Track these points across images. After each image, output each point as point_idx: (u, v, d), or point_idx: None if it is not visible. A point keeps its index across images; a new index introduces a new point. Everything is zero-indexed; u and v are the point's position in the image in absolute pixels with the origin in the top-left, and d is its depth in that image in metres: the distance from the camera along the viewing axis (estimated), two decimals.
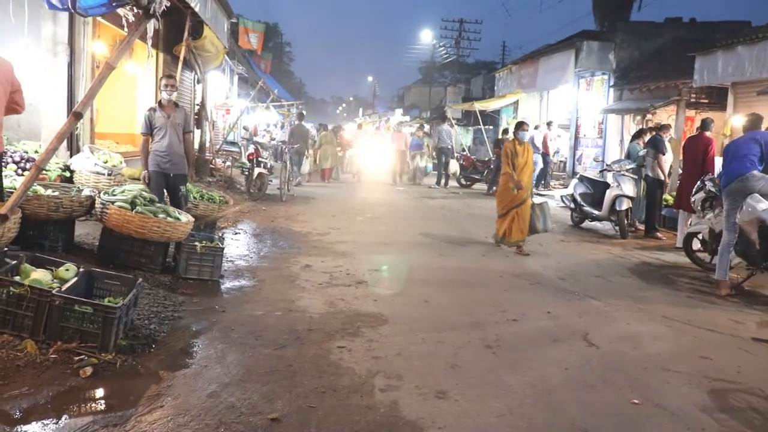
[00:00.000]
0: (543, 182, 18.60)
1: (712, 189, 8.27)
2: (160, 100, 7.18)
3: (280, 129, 24.94)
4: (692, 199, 8.75)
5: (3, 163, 5.35)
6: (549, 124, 19.47)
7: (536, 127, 19.65)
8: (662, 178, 10.84)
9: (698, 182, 8.84)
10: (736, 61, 12.04)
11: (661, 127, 11.46)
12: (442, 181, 19.78)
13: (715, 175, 8.97)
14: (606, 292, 6.89)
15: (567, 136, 20.72)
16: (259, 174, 13.44)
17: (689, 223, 9.48)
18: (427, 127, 26.19)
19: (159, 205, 6.50)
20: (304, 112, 21.76)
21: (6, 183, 5.52)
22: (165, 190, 7.22)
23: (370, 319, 5.43)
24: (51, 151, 4.19)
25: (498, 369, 4.45)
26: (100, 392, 3.63)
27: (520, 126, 9.47)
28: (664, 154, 10.83)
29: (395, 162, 20.70)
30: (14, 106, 4.98)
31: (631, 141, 12.39)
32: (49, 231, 5.90)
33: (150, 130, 7.05)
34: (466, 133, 32.73)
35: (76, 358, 3.90)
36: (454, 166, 20.00)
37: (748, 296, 6.96)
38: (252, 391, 3.77)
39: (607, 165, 12.22)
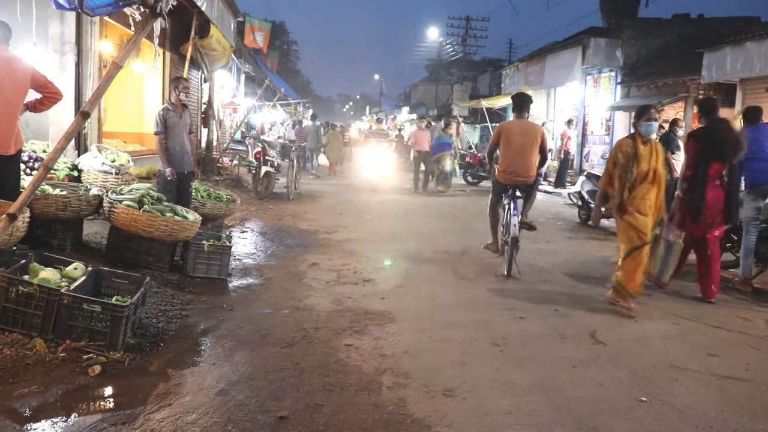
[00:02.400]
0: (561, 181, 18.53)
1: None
2: (171, 101, 7.27)
3: (291, 128, 24.99)
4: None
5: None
6: (570, 122, 19.35)
7: (542, 125, 19.61)
8: (673, 175, 10.67)
9: None
10: (744, 57, 11.98)
11: (673, 122, 11.34)
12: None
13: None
14: None
15: (574, 134, 20.69)
16: (266, 172, 13.46)
17: None
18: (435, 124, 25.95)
19: (166, 204, 6.52)
20: (312, 113, 22.80)
21: None
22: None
23: (378, 317, 5.43)
24: (59, 150, 4.20)
25: (505, 367, 4.44)
26: (108, 390, 3.65)
27: (645, 113, 6.03)
28: (674, 153, 10.73)
29: (416, 166, 17.40)
30: (51, 95, 5.38)
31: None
32: (58, 230, 5.93)
33: (165, 129, 7.13)
34: (473, 131, 32.70)
35: (85, 356, 3.92)
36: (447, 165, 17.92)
37: (757, 294, 6.92)
38: (260, 389, 3.78)
39: None
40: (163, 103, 11.54)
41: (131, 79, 11.95)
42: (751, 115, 7.32)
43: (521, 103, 7.80)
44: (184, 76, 10.98)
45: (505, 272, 7.13)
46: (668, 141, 10.73)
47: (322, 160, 21.85)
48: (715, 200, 6.50)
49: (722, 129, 6.64)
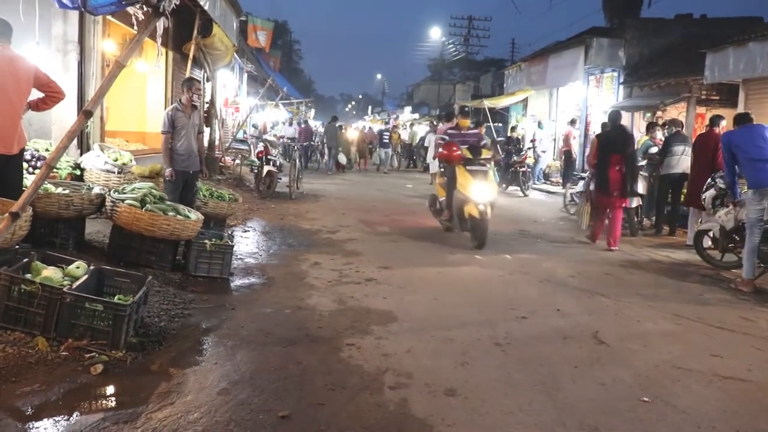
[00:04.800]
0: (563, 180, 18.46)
1: (723, 186, 8.21)
2: (182, 101, 7.25)
3: (288, 126, 25.02)
4: (702, 197, 8.70)
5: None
6: (573, 122, 19.18)
7: (539, 125, 19.79)
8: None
9: (708, 179, 8.78)
10: (747, 57, 11.94)
11: (674, 122, 11.35)
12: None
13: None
14: (616, 289, 6.86)
15: (578, 133, 20.65)
16: (269, 172, 13.46)
17: (699, 220, 9.44)
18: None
19: (168, 203, 6.53)
20: (333, 116, 24.68)
21: None
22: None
23: (380, 317, 5.43)
24: (61, 149, 4.20)
25: (507, 366, 4.44)
26: (110, 389, 3.65)
27: None
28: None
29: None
30: (53, 95, 5.38)
31: (646, 134, 12.32)
32: (60, 229, 5.94)
33: (172, 129, 7.13)
34: None
35: (87, 355, 3.93)
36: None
37: (759, 294, 6.92)
38: (262, 389, 3.78)
39: None
40: (165, 103, 11.60)
41: (134, 78, 11.96)
42: (740, 118, 7.42)
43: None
44: (187, 75, 10.99)
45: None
46: (688, 140, 10.70)
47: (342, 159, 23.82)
48: (615, 179, 9.02)
49: (617, 132, 9.58)
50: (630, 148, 9.26)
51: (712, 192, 8.46)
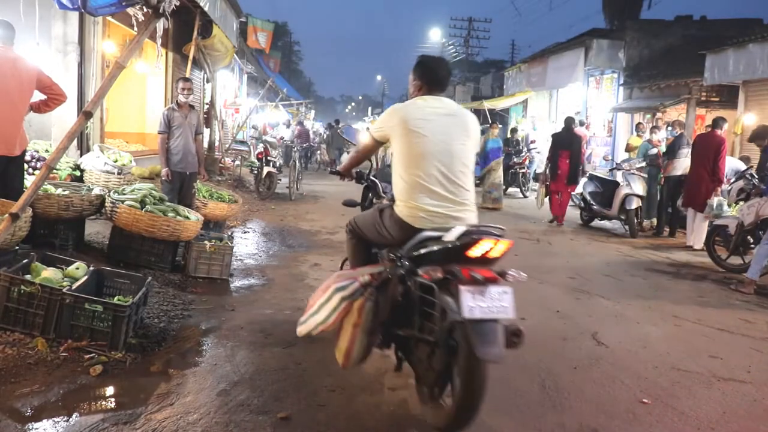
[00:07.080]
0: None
1: (750, 179, 8.21)
2: (177, 101, 7.32)
3: (286, 127, 25.01)
4: (729, 187, 8.74)
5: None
6: (582, 124, 17.91)
7: (533, 126, 19.83)
8: None
9: (741, 171, 8.85)
10: (747, 59, 11.97)
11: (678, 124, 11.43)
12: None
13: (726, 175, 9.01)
14: (615, 291, 6.86)
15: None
16: (268, 173, 13.47)
17: (695, 219, 9.46)
18: None
19: (168, 204, 6.53)
20: (336, 119, 26.19)
21: None
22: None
23: None
24: (61, 150, 4.20)
25: (506, 367, 4.42)
26: (110, 390, 3.65)
27: None
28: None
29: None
30: (55, 97, 5.39)
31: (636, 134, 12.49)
32: (60, 230, 5.94)
33: (168, 129, 7.18)
34: None
35: (87, 356, 3.92)
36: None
37: (759, 295, 6.92)
38: (261, 390, 3.78)
39: (616, 164, 12.16)
40: (165, 104, 11.61)
41: (134, 79, 11.98)
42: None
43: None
44: (187, 76, 10.99)
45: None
46: (687, 142, 10.76)
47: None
48: (563, 170, 11.53)
49: (567, 133, 11.86)
50: (575, 145, 11.74)
51: (740, 183, 8.46)
